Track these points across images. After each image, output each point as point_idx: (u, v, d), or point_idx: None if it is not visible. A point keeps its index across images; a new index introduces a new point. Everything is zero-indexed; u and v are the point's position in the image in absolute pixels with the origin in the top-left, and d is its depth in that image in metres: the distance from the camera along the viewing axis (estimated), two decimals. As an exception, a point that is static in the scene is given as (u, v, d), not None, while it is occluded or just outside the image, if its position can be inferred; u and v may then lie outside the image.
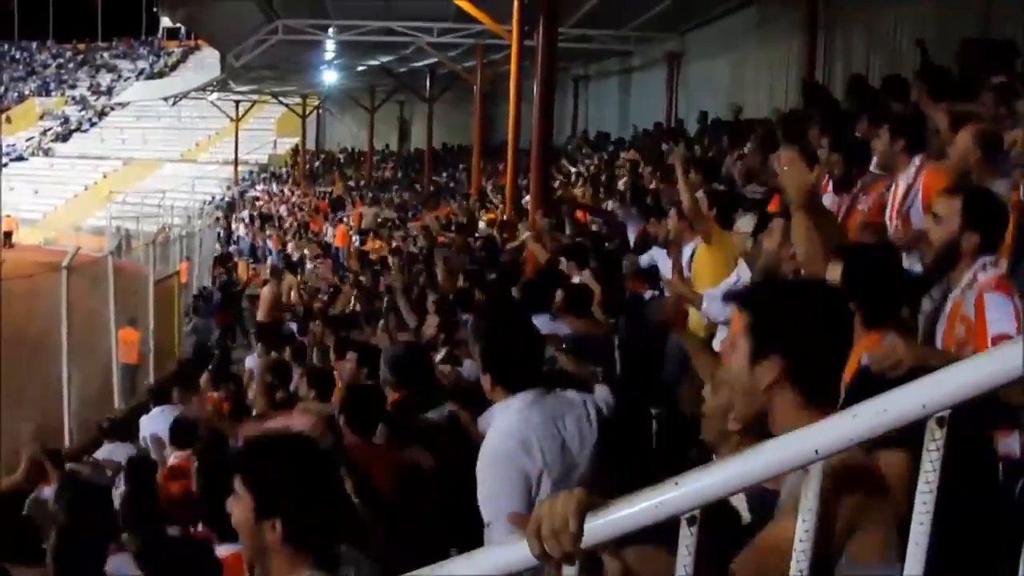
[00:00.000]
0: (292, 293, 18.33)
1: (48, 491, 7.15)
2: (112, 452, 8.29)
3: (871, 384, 2.77)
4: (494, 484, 3.07)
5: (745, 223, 5.18)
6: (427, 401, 4.95)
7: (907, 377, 2.72)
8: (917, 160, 4.83)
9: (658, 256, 7.48)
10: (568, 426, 3.25)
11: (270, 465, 2.29)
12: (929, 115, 5.34)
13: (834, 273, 3.12)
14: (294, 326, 15.06)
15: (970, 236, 3.26)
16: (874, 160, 5.37)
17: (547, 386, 3.32)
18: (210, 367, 11.15)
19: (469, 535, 3.16)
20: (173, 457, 7.51)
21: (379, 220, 24.78)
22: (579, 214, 9.78)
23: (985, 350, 3.08)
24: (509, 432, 3.15)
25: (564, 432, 3.22)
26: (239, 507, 2.27)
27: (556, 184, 16.84)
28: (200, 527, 4.72)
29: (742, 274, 5.19)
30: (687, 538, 1.56)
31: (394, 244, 18.44)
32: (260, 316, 17.03)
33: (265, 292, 17.46)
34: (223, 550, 3.52)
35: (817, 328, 2.02)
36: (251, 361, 12.84)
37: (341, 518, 2.35)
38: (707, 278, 6.00)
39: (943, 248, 3.31)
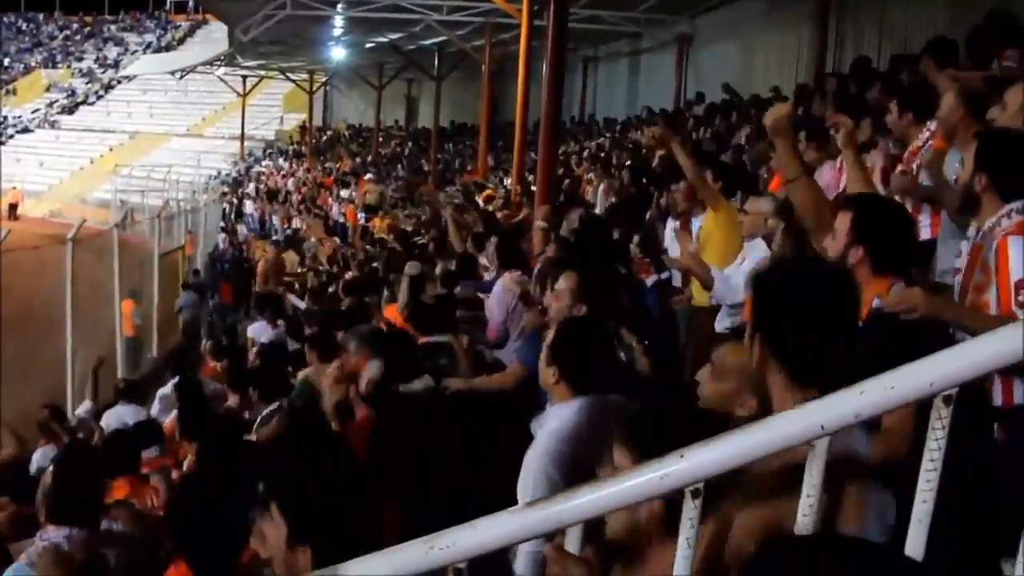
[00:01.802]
0: (297, 268, 18.38)
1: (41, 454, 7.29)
2: (122, 414, 8.37)
3: (885, 325, 2.81)
4: (538, 482, 3.15)
5: (762, 204, 5.15)
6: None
7: (919, 323, 2.79)
8: (932, 125, 4.89)
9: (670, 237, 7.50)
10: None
11: (307, 493, 2.26)
12: (935, 82, 5.38)
13: (842, 222, 3.12)
14: (297, 301, 15.06)
15: (980, 177, 3.32)
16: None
17: (602, 391, 3.37)
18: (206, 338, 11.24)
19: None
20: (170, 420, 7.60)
21: (385, 197, 24.78)
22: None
23: (1005, 293, 3.15)
24: (562, 435, 3.24)
25: (605, 439, 3.27)
26: (274, 532, 2.25)
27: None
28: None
29: (750, 254, 5.17)
30: (691, 510, 1.57)
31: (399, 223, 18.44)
32: (258, 286, 17.11)
33: (262, 263, 17.53)
34: None
35: (802, 309, 1.99)
36: (252, 330, 12.89)
37: (367, 534, 2.36)
38: (714, 247, 6.01)
39: (963, 191, 3.42)
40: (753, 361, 2.06)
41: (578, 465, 3.12)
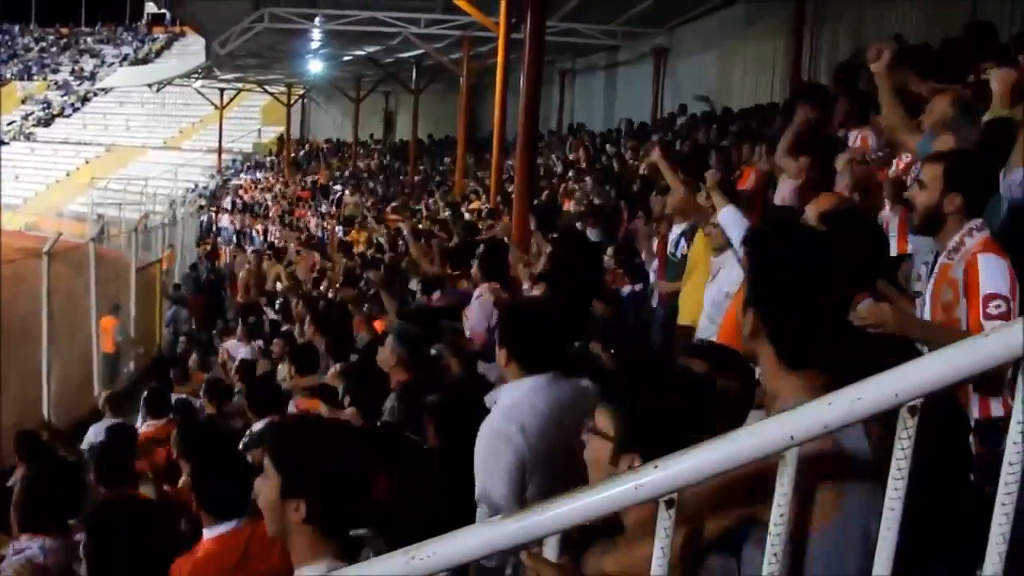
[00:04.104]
0: (277, 283, 18.30)
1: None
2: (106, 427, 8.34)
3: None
4: (488, 463, 3.09)
5: None
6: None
7: (886, 338, 2.84)
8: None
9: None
10: (575, 416, 3.21)
11: (298, 446, 2.28)
12: (918, 92, 5.43)
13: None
14: (273, 314, 15.04)
15: (952, 198, 3.33)
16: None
17: (564, 371, 3.27)
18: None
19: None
20: (147, 426, 7.65)
21: (363, 210, 24.76)
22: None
23: (975, 309, 3.20)
24: (511, 414, 3.13)
25: (568, 421, 3.09)
26: (266, 486, 2.27)
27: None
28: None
29: (724, 270, 5.20)
30: (665, 520, 1.60)
31: (375, 238, 18.43)
32: (239, 297, 17.05)
33: (243, 273, 17.47)
34: (210, 533, 3.52)
35: (786, 281, 1.94)
36: (231, 346, 12.89)
37: (365, 505, 2.35)
38: (703, 272, 6.05)
39: (927, 212, 3.39)
40: (745, 334, 2.01)
41: (539, 443, 3.06)
